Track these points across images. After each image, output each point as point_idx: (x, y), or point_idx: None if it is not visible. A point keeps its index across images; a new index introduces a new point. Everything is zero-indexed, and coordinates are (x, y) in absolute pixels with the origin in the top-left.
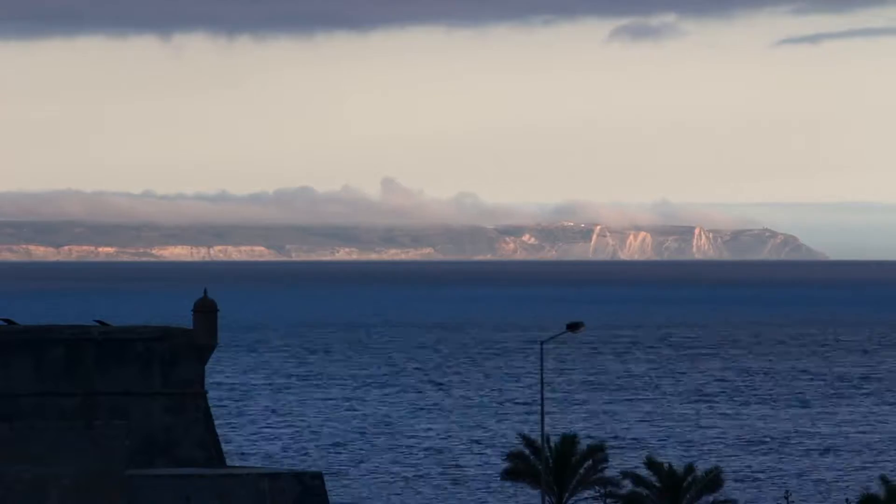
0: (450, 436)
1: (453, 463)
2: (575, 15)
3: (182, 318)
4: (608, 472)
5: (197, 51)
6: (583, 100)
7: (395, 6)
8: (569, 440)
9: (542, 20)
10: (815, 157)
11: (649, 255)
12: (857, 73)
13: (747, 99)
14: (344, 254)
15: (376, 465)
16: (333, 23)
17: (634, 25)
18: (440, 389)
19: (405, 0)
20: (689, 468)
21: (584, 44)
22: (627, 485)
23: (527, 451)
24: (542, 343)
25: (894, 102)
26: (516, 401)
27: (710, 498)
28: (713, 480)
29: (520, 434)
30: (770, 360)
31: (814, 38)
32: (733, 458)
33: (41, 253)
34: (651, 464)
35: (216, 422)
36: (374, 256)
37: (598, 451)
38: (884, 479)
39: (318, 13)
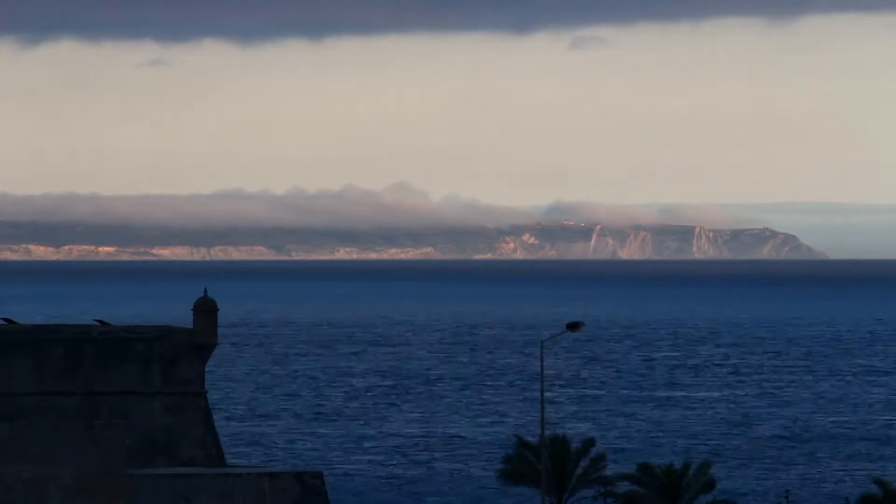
0: (449, 435)
1: (453, 462)
2: (531, 27)
3: (182, 317)
4: (607, 472)
5: (196, 53)
6: (582, 100)
7: (405, 13)
8: (567, 440)
9: (513, 30)
10: (816, 157)
11: (649, 254)
12: (855, 72)
13: (746, 99)
14: (344, 253)
15: (376, 465)
16: (366, 27)
17: (593, 36)
18: (440, 389)
19: (412, 4)
20: (687, 467)
21: (560, 47)
22: (626, 484)
23: (525, 452)
24: (542, 342)
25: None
26: (516, 400)
27: (709, 497)
28: (709, 479)
29: (516, 435)
30: (770, 360)
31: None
32: (733, 457)
33: (41, 253)
34: (646, 466)
35: (216, 422)
36: (374, 256)
37: (594, 448)
38: (878, 482)
39: (327, 18)
